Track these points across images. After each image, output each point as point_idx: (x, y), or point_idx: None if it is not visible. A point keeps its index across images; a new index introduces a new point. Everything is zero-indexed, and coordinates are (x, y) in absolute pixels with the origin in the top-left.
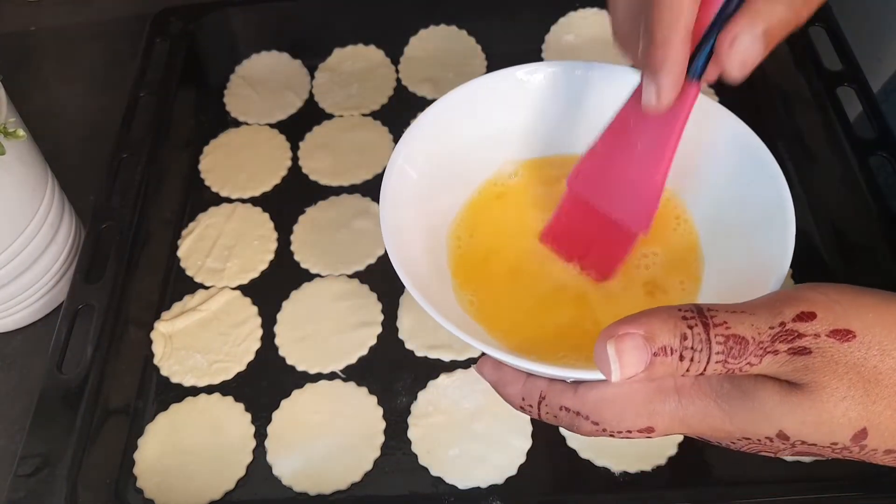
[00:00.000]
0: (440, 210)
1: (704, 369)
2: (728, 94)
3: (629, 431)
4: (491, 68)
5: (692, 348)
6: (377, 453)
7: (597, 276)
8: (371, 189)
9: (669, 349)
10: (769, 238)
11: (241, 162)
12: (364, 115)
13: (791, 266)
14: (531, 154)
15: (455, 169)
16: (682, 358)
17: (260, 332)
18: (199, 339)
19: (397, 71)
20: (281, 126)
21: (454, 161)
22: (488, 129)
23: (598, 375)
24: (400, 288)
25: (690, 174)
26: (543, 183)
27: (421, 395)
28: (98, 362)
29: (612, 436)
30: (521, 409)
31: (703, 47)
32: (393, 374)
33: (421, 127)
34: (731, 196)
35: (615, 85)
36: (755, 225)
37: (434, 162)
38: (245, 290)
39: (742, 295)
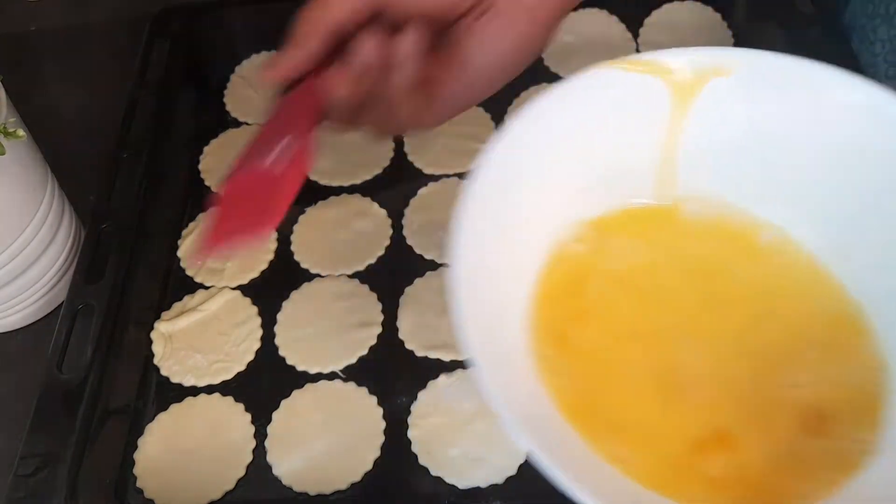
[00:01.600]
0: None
1: None
2: None
3: None
4: None
5: None
6: (377, 453)
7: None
8: (371, 189)
9: None
10: None
11: None
12: None
13: None
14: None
15: (512, 252)
16: None
17: (260, 332)
18: (199, 339)
19: None
20: None
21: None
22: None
23: None
24: (400, 288)
25: (841, 227)
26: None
27: (421, 395)
28: (98, 362)
29: None
30: None
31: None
32: (393, 374)
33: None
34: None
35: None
36: None
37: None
38: (245, 290)
39: None
